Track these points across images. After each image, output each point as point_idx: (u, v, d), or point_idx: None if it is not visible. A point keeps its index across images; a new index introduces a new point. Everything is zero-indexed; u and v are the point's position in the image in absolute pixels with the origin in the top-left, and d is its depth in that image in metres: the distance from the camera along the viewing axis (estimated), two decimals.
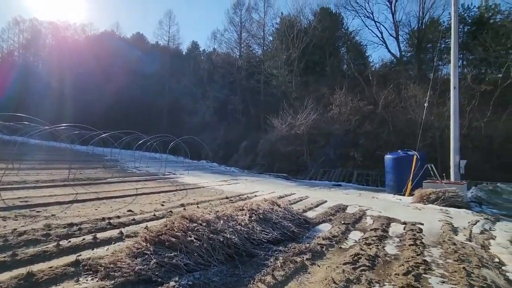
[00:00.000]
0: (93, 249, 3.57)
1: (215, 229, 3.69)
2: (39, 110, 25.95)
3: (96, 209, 5.69)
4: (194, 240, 3.30)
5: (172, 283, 2.68)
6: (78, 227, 4.30)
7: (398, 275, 3.26)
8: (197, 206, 6.44)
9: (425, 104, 11.21)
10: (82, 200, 6.37)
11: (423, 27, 21.48)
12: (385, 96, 18.28)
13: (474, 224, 6.11)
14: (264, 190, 10.08)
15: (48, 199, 6.20)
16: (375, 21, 23.36)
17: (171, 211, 5.80)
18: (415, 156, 10.26)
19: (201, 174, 14.52)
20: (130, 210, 5.73)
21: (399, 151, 11.75)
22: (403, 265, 3.55)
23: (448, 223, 6.02)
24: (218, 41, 32.87)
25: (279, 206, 5.31)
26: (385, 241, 4.65)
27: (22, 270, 2.73)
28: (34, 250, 3.33)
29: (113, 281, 2.68)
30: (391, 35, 22.68)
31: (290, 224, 4.73)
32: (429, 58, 22.55)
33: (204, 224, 3.70)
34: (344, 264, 3.46)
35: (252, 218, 4.41)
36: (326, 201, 8.21)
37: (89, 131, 13.94)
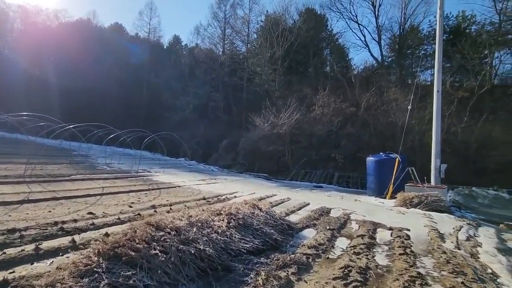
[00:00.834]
0: (32, 263, 2.89)
1: (187, 239, 3.14)
2: (1, 97, 23.79)
3: (49, 211, 4.91)
4: (159, 254, 2.74)
5: None
6: (20, 234, 3.58)
7: None
8: (170, 208, 5.82)
9: (408, 107, 11.21)
10: (35, 200, 5.51)
11: (404, 33, 21.98)
12: (367, 99, 18.39)
13: (459, 230, 5.97)
14: (244, 191, 9.57)
15: None
16: (358, 24, 23.64)
17: (139, 214, 5.15)
18: (397, 159, 10.18)
19: (178, 173, 13.74)
20: (90, 213, 5.01)
21: (381, 153, 11.66)
22: (397, 279, 3.18)
23: (434, 229, 5.83)
24: (201, 36, 32.03)
25: (260, 209, 4.83)
26: (374, 250, 4.31)
27: None
28: None
29: None
30: (373, 39, 23.02)
31: (272, 231, 4.26)
32: (408, 64, 23.10)
33: (173, 232, 3.14)
34: (334, 279, 3.04)
35: (231, 224, 3.90)
36: (308, 204, 7.84)
37: (55, 123, 12.77)
